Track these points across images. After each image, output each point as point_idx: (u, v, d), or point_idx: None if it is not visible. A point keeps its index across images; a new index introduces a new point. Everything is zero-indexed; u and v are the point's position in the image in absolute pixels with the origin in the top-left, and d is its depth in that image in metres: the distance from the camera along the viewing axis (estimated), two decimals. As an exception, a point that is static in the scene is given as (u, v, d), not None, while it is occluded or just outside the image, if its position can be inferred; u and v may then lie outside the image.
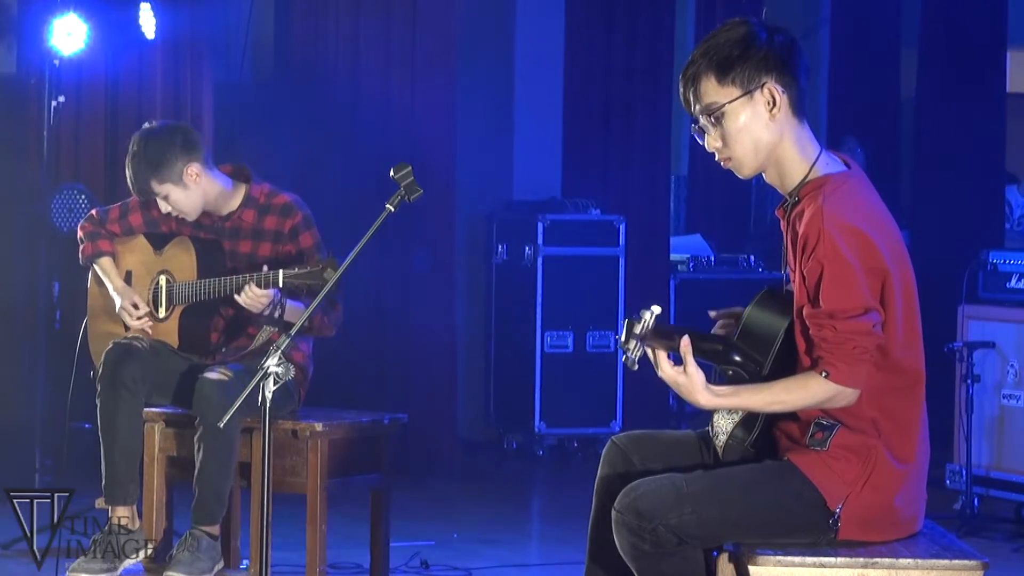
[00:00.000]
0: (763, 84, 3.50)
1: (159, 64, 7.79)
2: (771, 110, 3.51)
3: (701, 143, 3.59)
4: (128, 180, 5.41)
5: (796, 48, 3.55)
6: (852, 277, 3.39)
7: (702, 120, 3.56)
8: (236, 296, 5.16)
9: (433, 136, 8.16)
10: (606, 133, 9.35)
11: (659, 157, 9.36)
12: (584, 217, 8.86)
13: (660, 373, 3.49)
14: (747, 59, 3.49)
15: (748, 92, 3.50)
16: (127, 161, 5.40)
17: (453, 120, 8.29)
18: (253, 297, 5.11)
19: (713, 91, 3.52)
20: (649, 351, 3.47)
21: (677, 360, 3.49)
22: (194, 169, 5.33)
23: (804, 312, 3.44)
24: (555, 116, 9.38)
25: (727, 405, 3.52)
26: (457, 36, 8.34)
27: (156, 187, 5.32)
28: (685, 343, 3.47)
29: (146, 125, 5.50)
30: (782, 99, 3.51)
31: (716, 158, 3.60)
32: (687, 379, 3.47)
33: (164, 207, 5.40)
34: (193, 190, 5.35)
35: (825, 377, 3.40)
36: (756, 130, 3.52)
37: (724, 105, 3.51)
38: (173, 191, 5.33)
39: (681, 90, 3.58)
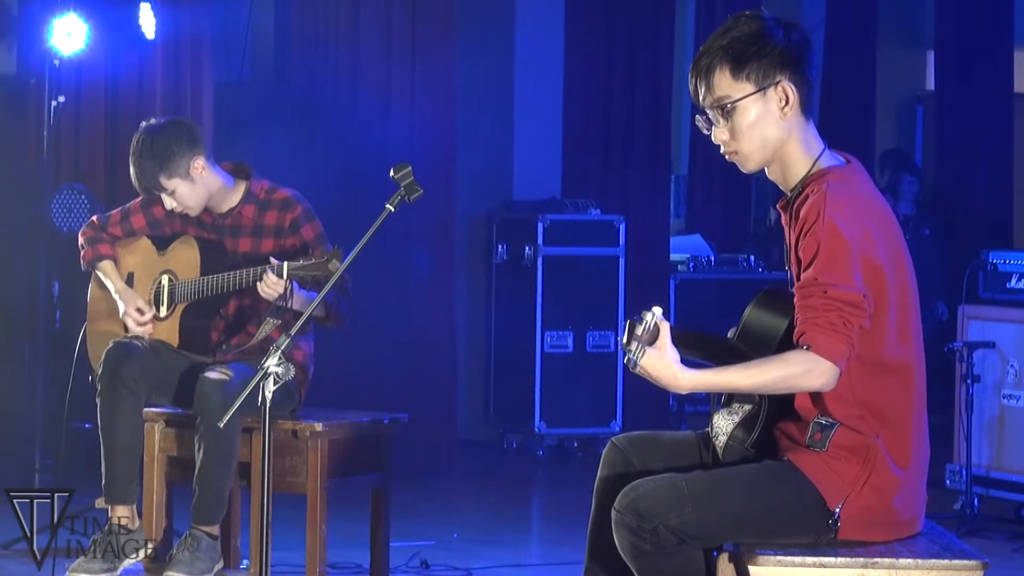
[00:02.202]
0: (777, 82, 3.49)
1: (159, 64, 7.79)
2: (783, 108, 3.50)
3: (706, 133, 3.58)
4: (133, 178, 5.40)
5: (810, 47, 3.55)
6: (848, 255, 3.37)
7: (711, 112, 3.55)
8: (259, 284, 5.14)
9: (433, 136, 8.17)
10: (606, 133, 9.35)
11: (659, 157, 9.37)
12: (584, 217, 8.86)
13: (636, 370, 3.41)
14: (763, 56, 3.48)
15: (762, 89, 3.49)
16: (132, 159, 5.38)
17: (453, 120, 8.30)
18: (273, 286, 5.11)
19: (727, 85, 3.51)
20: (634, 346, 3.41)
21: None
22: (200, 162, 5.34)
23: (795, 287, 3.43)
24: (555, 116, 9.38)
25: (706, 386, 3.45)
26: (457, 36, 8.34)
27: (164, 182, 5.32)
28: (659, 313, 3.38)
29: (145, 123, 5.49)
30: (794, 97, 3.51)
31: (721, 150, 3.59)
32: (660, 355, 3.38)
33: (169, 203, 5.39)
34: (199, 184, 5.36)
35: (806, 349, 3.35)
36: (766, 127, 3.52)
37: (737, 100, 3.50)
38: (180, 185, 5.34)
39: (692, 80, 3.56)
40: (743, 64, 3.48)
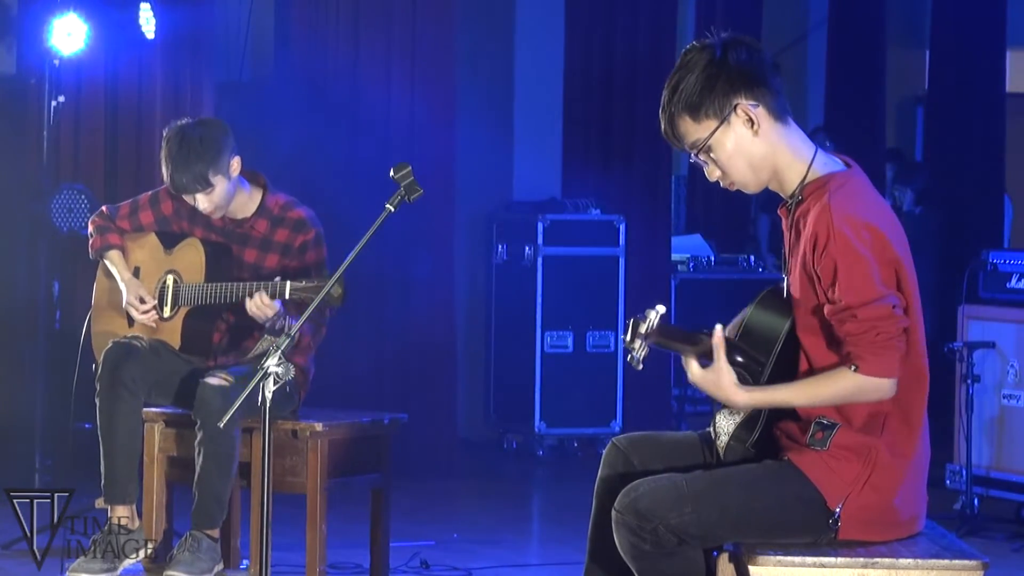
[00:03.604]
0: (735, 106, 3.51)
1: (159, 64, 7.80)
2: (752, 127, 3.52)
3: (704, 172, 3.63)
4: (172, 176, 5.27)
5: (756, 56, 3.54)
6: (865, 268, 3.39)
7: (693, 156, 3.59)
8: (248, 300, 5.14)
9: (433, 136, 8.16)
10: (606, 133, 9.35)
11: (659, 157, 9.36)
12: (584, 217, 8.86)
13: (691, 377, 3.51)
14: (712, 89, 3.50)
15: (724, 120, 3.51)
16: (175, 159, 5.25)
17: (453, 120, 8.29)
18: (261, 306, 5.10)
19: (692, 130, 3.54)
20: (637, 344, 3.47)
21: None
22: (237, 161, 5.33)
23: (825, 311, 3.45)
24: (555, 116, 9.38)
25: (762, 403, 3.51)
26: (457, 36, 8.34)
27: (212, 178, 5.26)
28: (718, 337, 3.47)
29: (177, 124, 5.41)
30: (758, 113, 3.52)
31: (720, 185, 3.62)
32: (717, 378, 3.48)
33: (203, 203, 5.31)
34: (233, 183, 5.34)
35: (855, 371, 3.40)
36: (747, 150, 3.54)
37: (707, 140, 3.53)
38: (221, 183, 5.29)
39: (664, 133, 3.60)
40: (697, 106, 3.51)
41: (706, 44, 3.54)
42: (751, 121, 3.51)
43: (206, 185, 5.27)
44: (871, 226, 3.42)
